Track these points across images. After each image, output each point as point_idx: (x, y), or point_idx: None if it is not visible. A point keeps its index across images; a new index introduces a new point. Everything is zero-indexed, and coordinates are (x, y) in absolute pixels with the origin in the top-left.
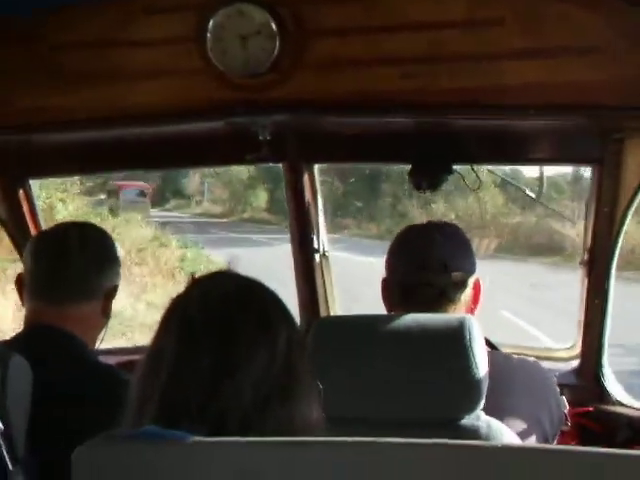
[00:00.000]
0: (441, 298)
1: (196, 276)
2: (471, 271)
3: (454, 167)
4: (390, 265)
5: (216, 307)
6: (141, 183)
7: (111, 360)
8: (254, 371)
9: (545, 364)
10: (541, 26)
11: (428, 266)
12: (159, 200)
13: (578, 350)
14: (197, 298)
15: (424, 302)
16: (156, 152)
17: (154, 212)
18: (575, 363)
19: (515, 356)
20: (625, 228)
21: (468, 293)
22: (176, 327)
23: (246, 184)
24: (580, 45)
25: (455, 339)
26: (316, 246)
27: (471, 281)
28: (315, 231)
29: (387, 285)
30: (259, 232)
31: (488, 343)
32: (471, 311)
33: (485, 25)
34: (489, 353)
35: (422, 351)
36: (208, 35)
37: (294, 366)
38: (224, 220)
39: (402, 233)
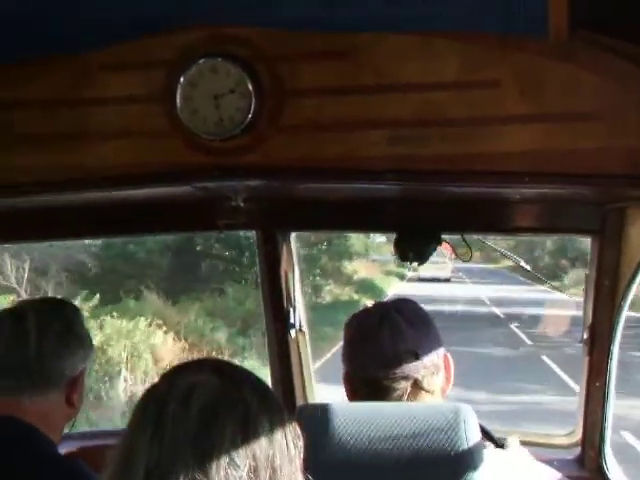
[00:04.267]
0: (416, 389)
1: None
2: (440, 349)
3: (443, 237)
4: (351, 358)
5: (197, 410)
6: None
7: (73, 446)
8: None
9: (544, 452)
10: (540, 89)
11: (398, 358)
12: None
13: (578, 437)
14: (178, 396)
15: (398, 398)
16: (121, 218)
17: None
18: (576, 451)
19: (528, 463)
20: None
21: (441, 377)
22: (151, 426)
23: None
24: (582, 110)
25: (450, 433)
26: (292, 321)
27: (442, 362)
28: (291, 304)
29: (350, 380)
30: None
31: (484, 433)
32: (444, 392)
33: (480, 87)
34: (494, 454)
35: (415, 449)
36: (177, 93)
37: (279, 468)
38: None
39: (358, 320)
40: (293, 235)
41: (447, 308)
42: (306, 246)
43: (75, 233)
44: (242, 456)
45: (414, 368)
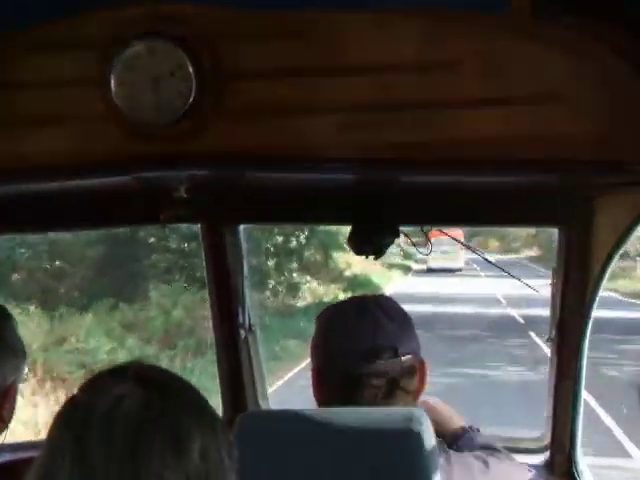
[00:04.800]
0: (393, 388)
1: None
2: (418, 352)
3: (400, 229)
4: (323, 351)
5: (122, 428)
6: None
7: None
8: None
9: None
10: (503, 71)
11: (377, 352)
12: None
13: (547, 440)
14: (100, 413)
15: (373, 394)
16: (53, 212)
17: None
18: (545, 455)
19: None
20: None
21: (416, 378)
22: (69, 449)
23: None
24: (547, 93)
25: (404, 440)
26: (241, 320)
27: (417, 365)
28: (240, 303)
29: (321, 375)
30: None
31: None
32: (418, 395)
33: (438, 69)
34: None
35: (366, 458)
36: (112, 77)
37: None
38: None
39: (333, 311)
40: (241, 228)
41: (455, 309)
42: (281, 235)
43: (7, 228)
44: (173, 477)
45: (392, 365)
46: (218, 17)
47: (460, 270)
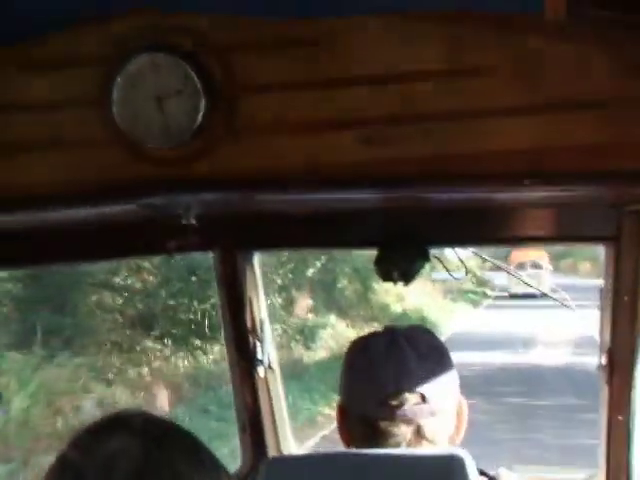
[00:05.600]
0: (418, 437)
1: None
2: (454, 394)
3: (431, 251)
4: (348, 390)
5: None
6: None
7: None
8: None
9: None
10: (538, 76)
11: (401, 398)
12: None
13: None
14: (95, 471)
15: (395, 443)
16: (51, 245)
17: None
18: None
19: None
20: None
21: (450, 423)
22: None
23: None
24: (589, 98)
25: None
26: (260, 357)
27: (454, 407)
28: (258, 337)
29: (345, 415)
30: None
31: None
32: (452, 443)
33: (468, 76)
34: None
35: None
36: (113, 96)
37: None
38: None
39: (360, 346)
40: (256, 256)
41: (536, 360)
42: (294, 261)
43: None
44: None
45: (418, 411)
46: (227, 27)
47: (545, 295)
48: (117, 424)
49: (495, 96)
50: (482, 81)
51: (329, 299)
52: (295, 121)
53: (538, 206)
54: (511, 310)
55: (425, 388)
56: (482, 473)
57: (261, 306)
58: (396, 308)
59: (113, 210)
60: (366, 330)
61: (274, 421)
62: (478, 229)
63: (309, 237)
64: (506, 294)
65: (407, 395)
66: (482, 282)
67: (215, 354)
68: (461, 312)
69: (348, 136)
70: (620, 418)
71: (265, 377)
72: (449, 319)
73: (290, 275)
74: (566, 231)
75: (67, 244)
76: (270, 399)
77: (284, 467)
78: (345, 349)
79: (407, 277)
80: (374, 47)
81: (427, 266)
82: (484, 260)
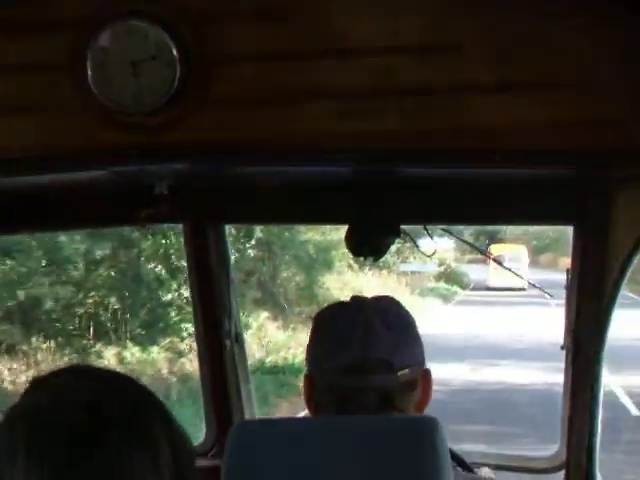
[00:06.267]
0: (385, 405)
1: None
2: (421, 363)
3: (402, 228)
4: (315, 359)
5: (76, 427)
6: None
7: None
8: None
9: (522, 478)
10: (512, 53)
11: (368, 367)
12: None
13: (562, 459)
14: (47, 417)
15: (362, 411)
16: (19, 211)
17: None
18: (560, 475)
19: None
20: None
21: (417, 393)
22: (22, 457)
23: None
24: (560, 77)
25: (421, 447)
26: (227, 328)
27: (420, 377)
28: (225, 310)
29: (312, 384)
30: None
31: (452, 455)
32: (419, 412)
33: (445, 51)
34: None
35: (369, 467)
36: (87, 60)
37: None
38: None
39: (327, 316)
40: (227, 229)
41: (507, 378)
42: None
43: None
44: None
45: (386, 380)
46: None
47: (523, 289)
48: (69, 373)
49: (469, 72)
50: (456, 57)
51: (263, 293)
52: (270, 92)
53: (508, 186)
54: (485, 308)
55: (392, 357)
56: (462, 463)
57: (230, 279)
58: None
59: (83, 177)
60: (306, 334)
61: (239, 393)
62: (448, 207)
63: (280, 211)
64: (483, 288)
65: (374, 364)
66: (456, 276)
67: None
68: (428, 309)
69: (321, 108)
70: (583, 398)
71: (232, 349)
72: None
73: None
74: (535, 212)
75: (34, 211)
76: (236, 371)
77: (254, 430)
78: (275, 359)
79: (377, 252)
80: (348, 20)
81: (393, 258)
82: (463, 252)
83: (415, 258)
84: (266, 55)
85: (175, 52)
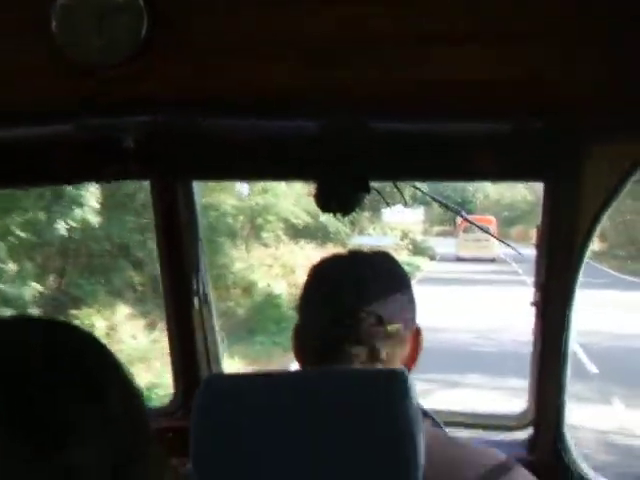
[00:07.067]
0: (371, 358)
1: None
2: (412, 320)
3: (371, 184)
4: (305, 308)
5: (19, 373)
6: None
7: None
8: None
9: (491, 435)
10: (482, 5)
11: (356, 318)
12: None
13: (531, 417)
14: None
15: (349, 363)
16: None
17: None
18: (528, 433)
19: (469, 444)
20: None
21: (405, 349)
22: None
23: None
24: (529, 29)
25: (391, 396)
26: (195, 287)
27: (410, 333)
28: (193, 268)
29: (300, 336)
30: None
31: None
32: (407, 368)
33: (412, 1)
34: (432, 435)
35: (340, 419)
36: (52, 13)
37: (139, 431)
38: None
39: (319, 267)
40: (195, 184)
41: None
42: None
43: None
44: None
45: (374, 333)
46: None
47: (493, 260)
48: (15, 320)
49: (437, 23)
50: (424, 8)
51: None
52: (237, 44)
53: (478, 141)
54: (451, 288)
55: (382, 310)
56: (431, 419)
57: (198, 237)
58: (274, 287)
59: (48, 132)
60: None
61: (208, 354)
62: (417, 163)
63: (248, 167)
64: (452, 260)
65: (363, 315)
66: (420, 250)
67: None
68: None
69: (290, 58)
70: (552, 355)
71: (200, 309)
72: None
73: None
74: (506, 168)
75: None
76: (204, 330)
77: (225, 384)
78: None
79: (346, 208)
80: None
81: (345, 228)
82: (432, 224)
83: (374, 229)
84: (234, 5)
85: (142, 2)
